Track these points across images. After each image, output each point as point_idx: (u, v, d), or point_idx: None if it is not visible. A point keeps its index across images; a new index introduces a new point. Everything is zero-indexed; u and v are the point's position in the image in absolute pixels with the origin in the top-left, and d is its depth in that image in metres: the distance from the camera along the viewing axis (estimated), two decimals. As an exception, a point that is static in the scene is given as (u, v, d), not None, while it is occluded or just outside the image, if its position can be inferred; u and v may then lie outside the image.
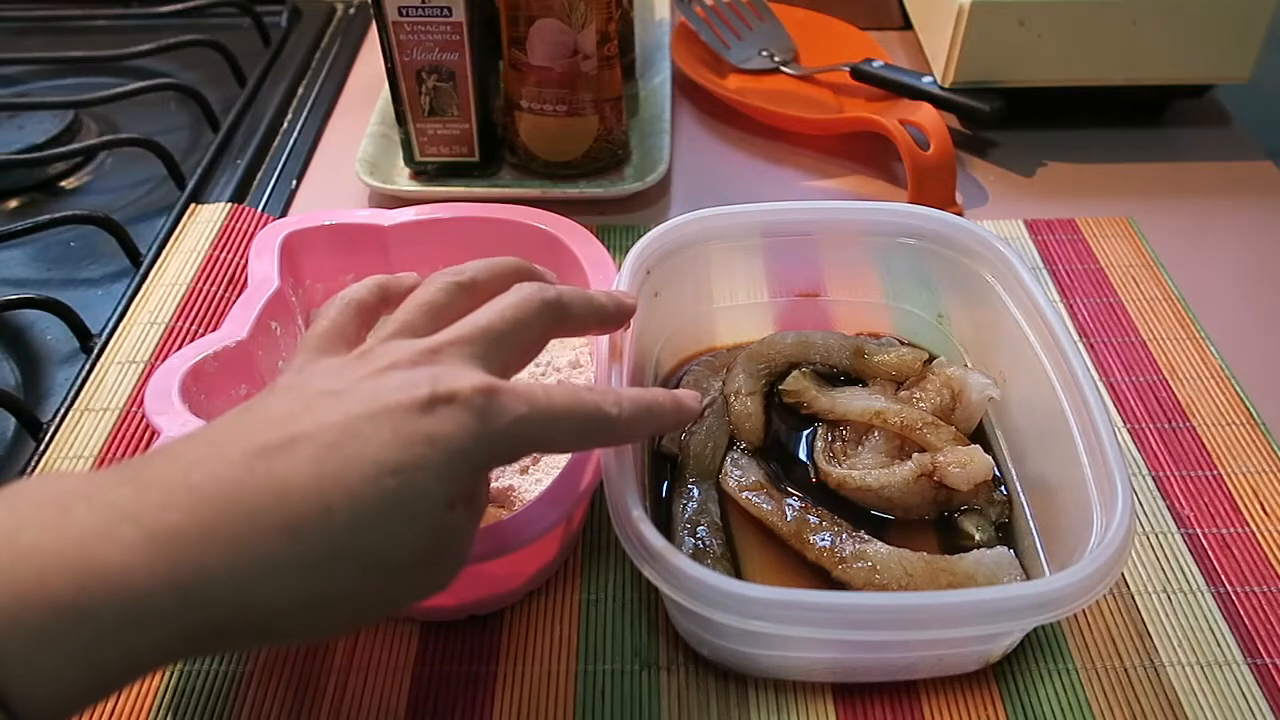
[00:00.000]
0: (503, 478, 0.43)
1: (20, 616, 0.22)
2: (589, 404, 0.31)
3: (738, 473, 0.44)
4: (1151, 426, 0.49)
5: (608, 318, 0.38)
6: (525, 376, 0.48)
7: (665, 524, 0.42)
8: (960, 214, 0.58)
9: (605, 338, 0.41)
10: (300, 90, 0.77)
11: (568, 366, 0.49)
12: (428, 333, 0.32)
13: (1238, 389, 0.51)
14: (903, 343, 0.50)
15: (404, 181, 0.64)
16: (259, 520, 0.25)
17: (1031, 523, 0.42)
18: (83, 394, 0.51)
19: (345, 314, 0.35)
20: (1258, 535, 0.44)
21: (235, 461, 0.26)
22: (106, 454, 0.48)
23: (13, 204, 0.67)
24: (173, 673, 0.40)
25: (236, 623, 0.25)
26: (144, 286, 0.56)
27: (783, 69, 0.75)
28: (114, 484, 0.25)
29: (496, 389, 0.29)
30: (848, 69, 0.71)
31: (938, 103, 0.66)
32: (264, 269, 0.49)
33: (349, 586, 0.27)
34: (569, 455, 0.39)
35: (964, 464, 0.42)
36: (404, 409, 0.28)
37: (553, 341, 0.50)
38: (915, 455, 0.43)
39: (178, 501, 0.25)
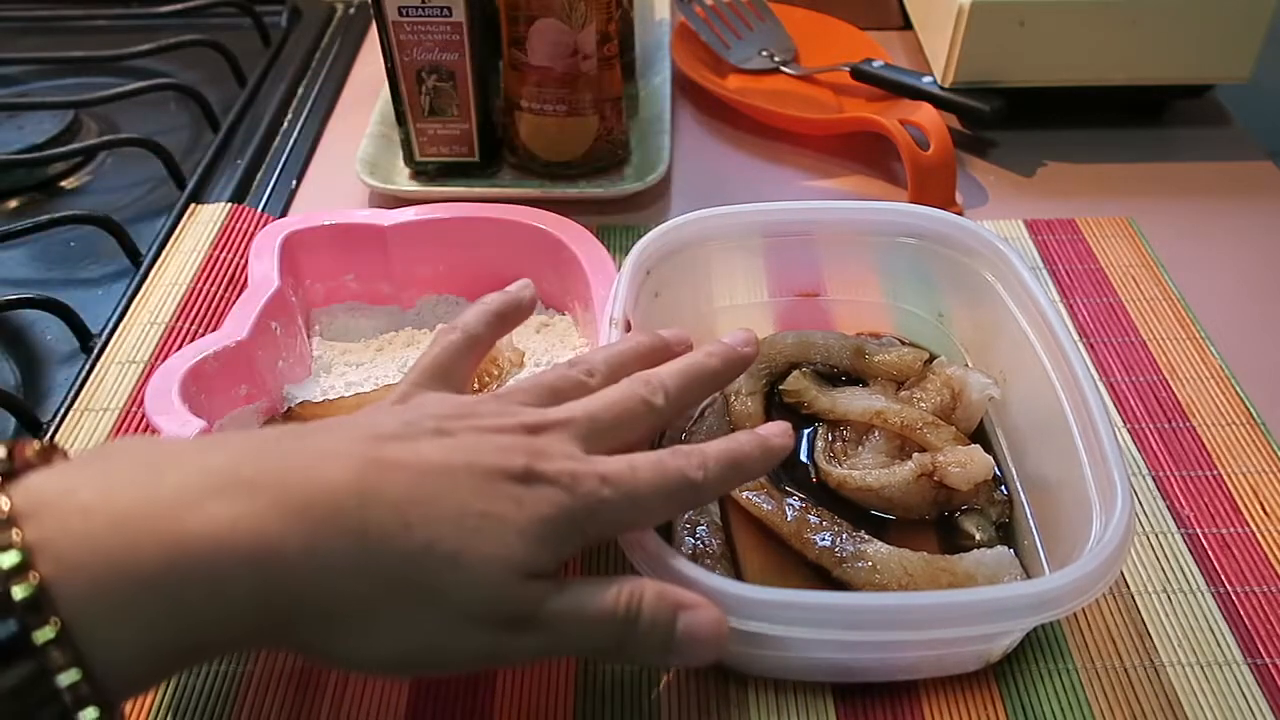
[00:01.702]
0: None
1: (111, 585, 0.22)
2: (673, 474, 0.32)
3: (738, 473, 0.44)
4: (1151, 426, 0.49)
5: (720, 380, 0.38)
6: (525, 375, 0.48)
7: (665, 524, 0.42)
8: (960, 214, 0.58)
9: (604, 339, 0.41)
10: (300, 90, 0.77)
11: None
12: (540, 406, 0.33)
13: (1238, 389, 0.51)
14: (903, 343, 0.50)
15: (404, 181, 0.64)
16: (339, 519, 0.26)
17: (1032, 522, 0.42)
18: (83, 394, 0.51)
19: (459, 347, 0.36)
20: (1258, 535, 0.44)
21: (346, 464, 0.27)
22: (106, 454, 0.48)
23: (13, 204, 0.67)
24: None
25: (301, 616, 0.26)
26: (144, 286, 0.56)
27: (783, 69, 0.75)
28: (209, 449, 0.26)
29: (585, 473, 0.30)
30: (848, 69, 0.71)
31: (938, 103, 0.66)
32: (264, 269, 0.49)
33: (405, 613, 0.27)
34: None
35: (964, 464, 0.42)
36: (500, 472, 0.29)
37: (553, 341, 0.51)
38: (915, 455, 0.43)
39: (267, 483, 0.25)
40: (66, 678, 0.22)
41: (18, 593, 0.21)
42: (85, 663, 0.22)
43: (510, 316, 0.39)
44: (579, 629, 0.30)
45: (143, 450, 0.26)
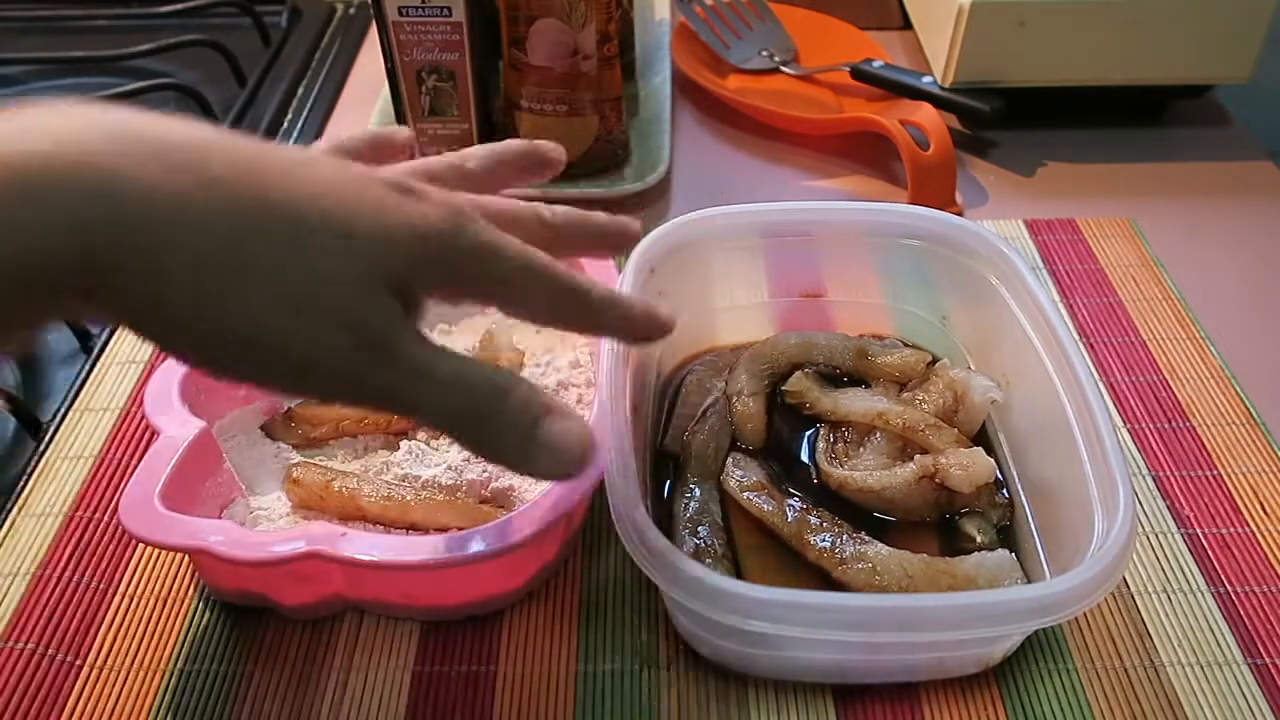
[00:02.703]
0: (503, 478, 0.43)
1: None
2: (527, 210, 0.31)
3: (739, 473, 0.44)
4: (1151, 426, 0.49)
5: (606, 242, 0.36)
6: (525, 377, 0.48)
7: (666, 524, 0.42)
8: (960, 214, 0.58)
9: (605, 339, 0.41)
10: (300, 90, 0.77)
11: (568, 366, 0.49)
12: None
13: (1238, 389, 0.51)
14: (906, 344, 0.50)
15: (404, 181, 0.64)
16: (191, 163, 0.24)
17: (1033, 525, 0.42)
18: (83, 394, 0.51)
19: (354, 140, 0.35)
20: (1258, 535, 0.44)
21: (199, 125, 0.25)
22: (106, 454, 0.48)
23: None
24: (173, 673, 0.40)
25: (123, 265, 0.23)
26: (144, 286, 0.56)
27: (783, 69, 0.75)
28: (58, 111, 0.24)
29: (462, 203, 0.28)
30: (848, 69, 0.71)
31: (938, 103, 0.66)
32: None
33: (248, 279, 0.24)
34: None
35: (966, 466, 0.42)
36: (382, 181, 0.27)
37: (553, 341, 0.51)
38: (917, 457, 0.43)
39: (111, 134, 0.23)
40: None
41: None
42: None
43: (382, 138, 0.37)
44: (444, 383, 0.27)
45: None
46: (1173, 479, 0.47)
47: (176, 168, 0.24)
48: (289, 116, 0.74)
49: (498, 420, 0.28)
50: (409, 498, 0.42)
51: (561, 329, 0.33)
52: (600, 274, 0.48)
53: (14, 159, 0.22)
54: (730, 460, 0.45)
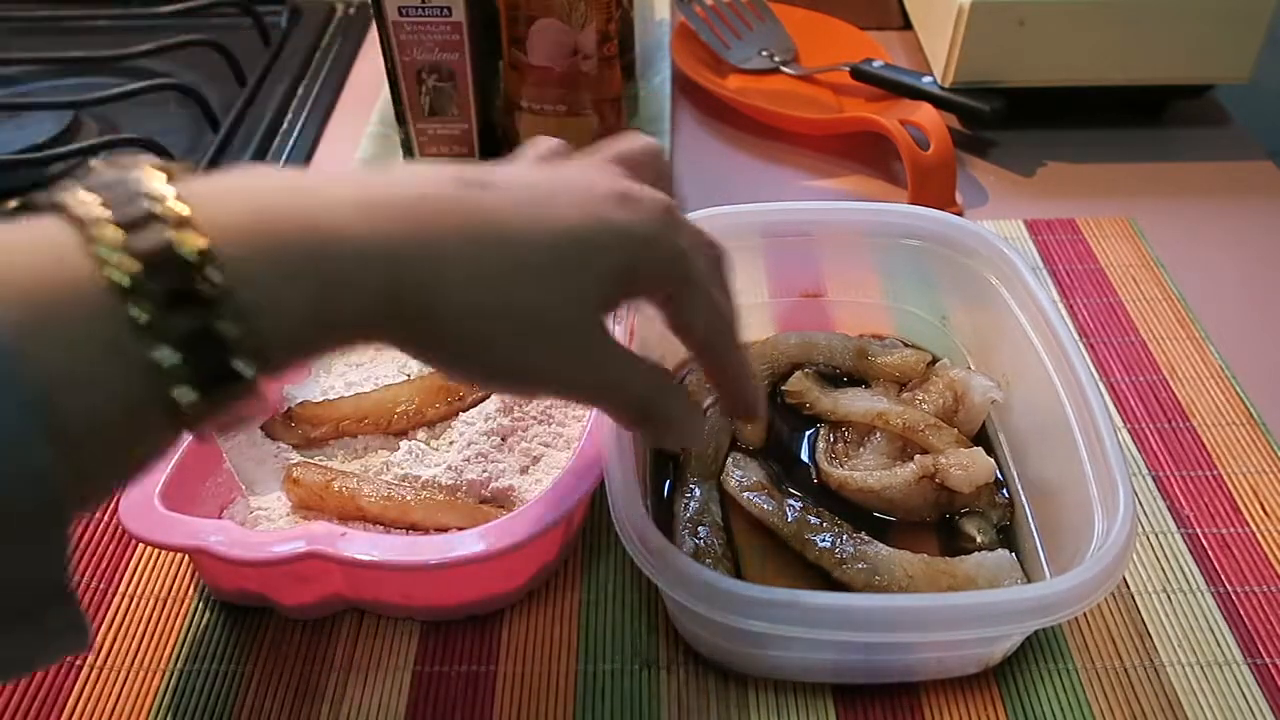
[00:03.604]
0: (503, 478, 0.43)
1: (272, 254, 0.24)
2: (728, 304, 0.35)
3: (739, 473, 0.44)
4: (1151, 426, 0.49)
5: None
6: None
7: (666, 523, 0.42)
8: (960, 214, 0.59)
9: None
10: (300, 90, 0.77)
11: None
12: None
13: (1238, 389, 0.51)
14: (906, 344, 0.50)
15: (404, 181, 0.64)
16: (452, 219, 0.27)
17: (1033, 525, 0.42)
18: (83, 394, 0.51)
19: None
20: (1258, 535, 0.44)
21: (443, 181, 0.28)
22: (107, 454, 0.48)
23: (12, 204, 0.67)
24: (173, 673, 0.40)
25: (424, 302, 0.27)
26: (144, 286, 0.56)
27: (783, 69, 0.75)
28: (332, 181, 0.27)
29: (675, 212, 0.31)
30: (848, 69, 0.71)
31: (938, 103, 0.66)
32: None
33: (507, 300, 0.28)
34: (570, 456, 0.39)
35: (966, 466, 0.42)
36: (601, 194, 0.30)
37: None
38: (917, 457, 0.43)
39: (387, 197, 0.27)
40: (231, 329, 0.23)
41: (186, 253, 0.22)
42: (245, 318, 0.23)
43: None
44: (641, 368, 0.32)
45: (283, 172, 0.27)
46: (1173, 479, 0.47)
47: (450, 234, 0.27)
48: (289, 116, 0.74)
49: (674, 391, 0.34)
50: (409, 498, 0.42)
51: (697, 357, 0.36)
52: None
53: (329, 234, 0.25)
54: (730, 460, 0.45)
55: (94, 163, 0.25)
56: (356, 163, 0.63)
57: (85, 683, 0.39)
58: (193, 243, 0.23)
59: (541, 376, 0.30)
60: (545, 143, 0.34)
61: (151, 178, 0.24)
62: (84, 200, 0.23)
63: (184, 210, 0.23)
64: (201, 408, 0.23)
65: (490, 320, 0.28)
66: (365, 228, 0.26)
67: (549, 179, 0.31)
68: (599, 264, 0.29)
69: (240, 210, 0.24)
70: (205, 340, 0.23)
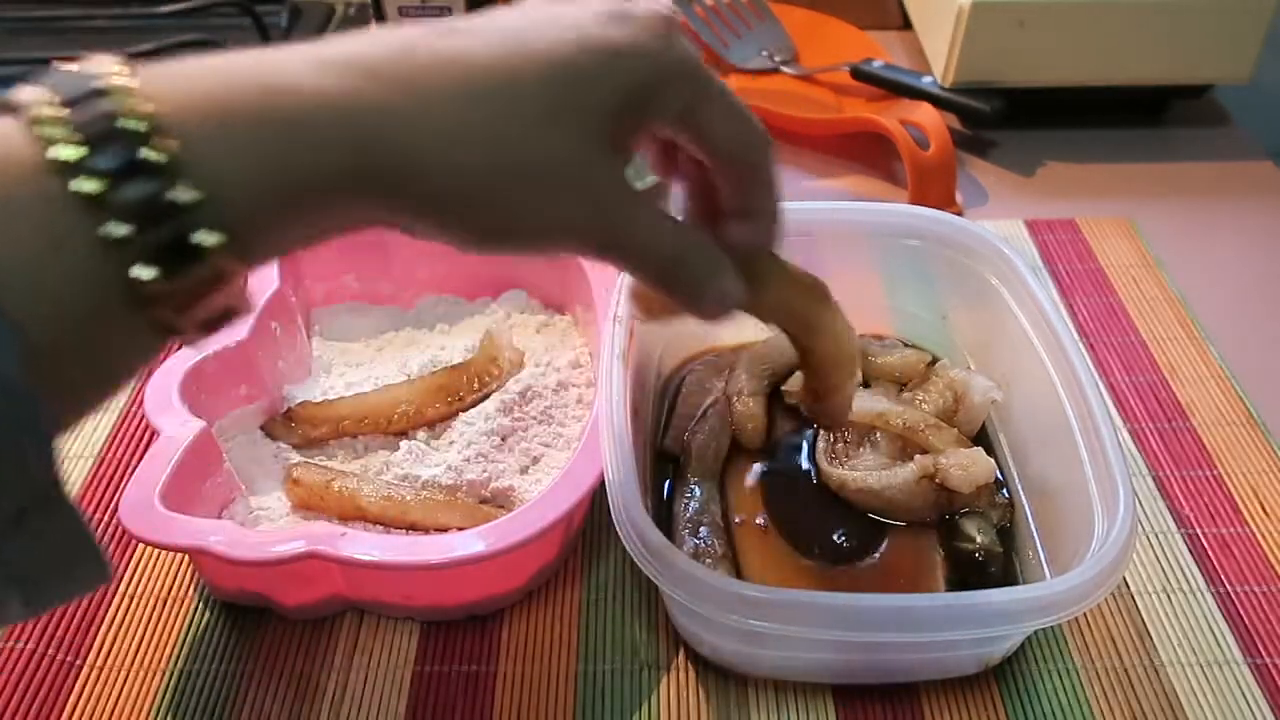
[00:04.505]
0: (503, 478, 0.43)
1: (226, 118, 0.23)
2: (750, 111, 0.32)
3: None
4: (1151, 426, 0.49)
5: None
6: (525, 377, 0.48)
7: (667, 523, 0.42)
8: (960, 214, 0.59)
9: (605, 339, 0.41)
10: (300, 90, 0.77)
11: (568, 366, 0.49)
12: None
13: (1238, 389, 0.51)
14: (906, 344, 0.50)
15: (404, 181, 0.63)
16: (425, 72, 0.25)
17: (1033, 525, 0.42)
18: (83, 394, 0.51)
19: None
20: (1258, 535, 0.44)
21: (412, 34, 0.26)
22: (106, 454, 0.48)
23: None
24: (173, 673, 0.40)
25: (401, 164, 0.25)
26: (144, 286, 0.56)
27: (783, 69, 0.75)
28: (295, 47, 0.25)
29: (675, 23, 0.29)
30: (848, 69, 0.71)
31: (938, 103, 0.66)
32: (264, 269, 0.49)
33: (498, 153, 0.25)
34: (570, 456, 0.39)
35: (966, 466, 0.42)
36: (590, 17, 0.27)
37: (553, 341, 0.51)
38: (917, 457, 0.43)
39: (350, 53, 0.25)
40: (184, 195, 0.22)
41: (130, 123, 0.21)
42: (200, 185, 0.22)
43: None
44: (660, 217, 0.30)
45: (249, 51, 0.25)
46: (1173, 479, 0.47)
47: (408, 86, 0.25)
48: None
49: (703, 246, 0.31)
50: (409, 498, 0.42)
51: (726, 171, 0.32)
52: (600, 273, 0.48)
53: (287, 92, 0.23)
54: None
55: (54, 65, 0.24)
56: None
57: (85, 683, 0.39)
58: (138, 109, 0.21)
59: (549, 234, 0.27)
60: None
61: (102, 64, 0.22)
62: (30, 91, 0.22)
63: (131, 83, 0.22)
64: (166, 290, 0.22)
65: (483, 178, 0.25)
66: (329, 83, 0.24)
67: (527, 14, 0.28)
68: (599, 94, 0.27)
69: (193, 81, 0.23)
70: (157, 210, 0.21)
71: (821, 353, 0.36)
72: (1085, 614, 0.41)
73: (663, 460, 0.45)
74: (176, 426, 0.41)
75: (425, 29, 0.26)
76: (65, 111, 0.21)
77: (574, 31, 0.27)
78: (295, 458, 0.45)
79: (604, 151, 0.27)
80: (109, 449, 0.48)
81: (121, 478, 0.47)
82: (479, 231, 0.26)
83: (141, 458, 0.41)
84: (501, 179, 0.26)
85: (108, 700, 0.39)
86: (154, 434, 0.41)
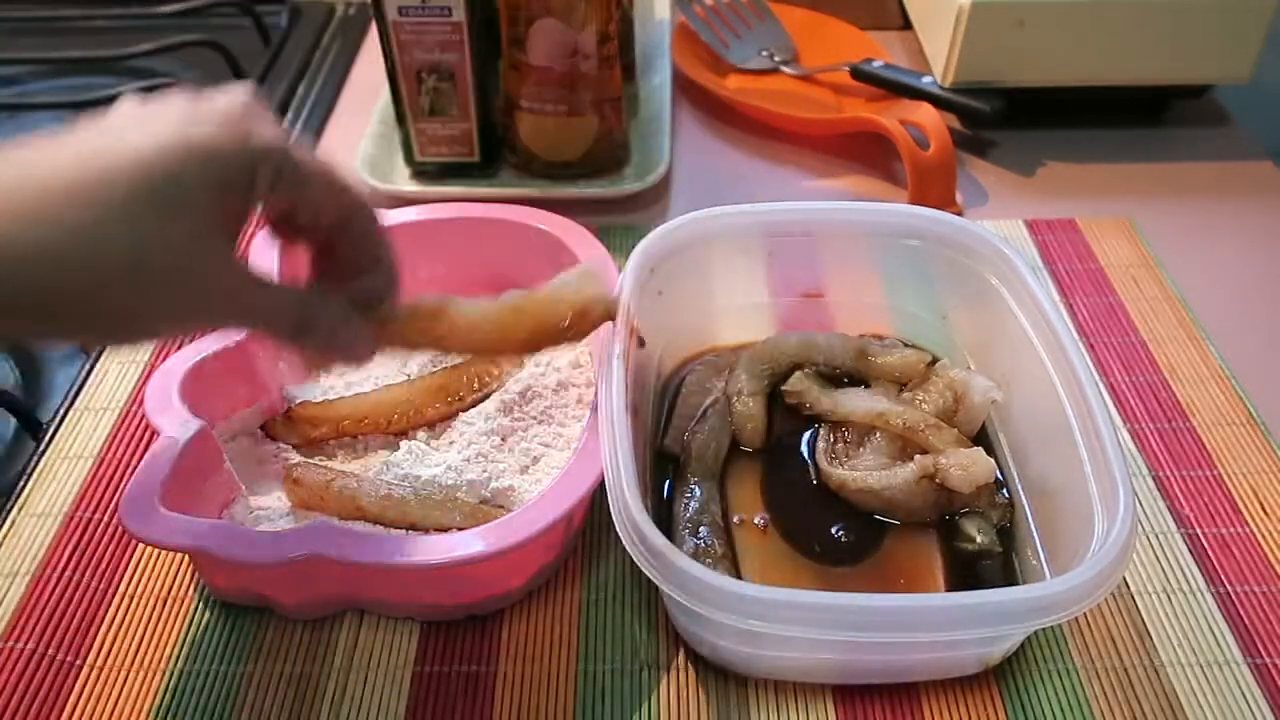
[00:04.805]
0: (503, 478, 0.43)
1: None
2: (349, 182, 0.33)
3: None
4: (1151, 426, 0.49)
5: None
6: (525, 377, 0.48)
7: (667, 523, 0.42)
8: (960, 214, 0.59)
9: (605, 339, 0.41)
10: (300, 90, 0.77)
11: (568, 366, 0.49)
12: None
13: (1238, 389, 0.51)
14: (906, 344, 0.50)
15: (404, 181, 0.64)
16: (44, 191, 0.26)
17: (1033, 525, 0.42)
18: (83, 394, 0.51)
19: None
20: (1258, 535, 0.44)
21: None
22: (106, 454, 0.48)
23: None
24: (173, 673, 0.40)
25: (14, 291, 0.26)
26: (144, 286, 0.56)
27: (783, 69, 0.75)
28: None
29: (258, 103, 0.30)
30: (848, 69, 0.71)
31: (938, 103, 0.66)
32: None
33: (93, 263, 0.27)
34: (570, 456, 0.39)
35: (966, 466, 0.42)
36: (174, 115, 0.29)
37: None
38: (917, 457, 0.43)
39: None
40: None
41: None
42: None
43: None
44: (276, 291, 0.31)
45: None
46: (1173, 479, 0.47)
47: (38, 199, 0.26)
48: (289, 116, 0.74)
49: (323, 301, 0.33)
50: (409, 498, 0.42)
51: (337, 241, 0.34)
52: (598, 270, 0.48)
53: None
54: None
55: None
56: (357, 163, 0.63)
57: (85, 683, 0.39)
58: None
59: (164, 326, 0.30)
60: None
61: None
62: None
63: None
64: None
65: (85, 284, 0.27)
66: None
67: (107, 121, 0.29)
68: (191, 189, 0.27)
69: None
70: None
71: (463, 350, 0.41)
72: (1085, 614, 0.41)
73: (663, 460, 0.45)
74: (176, 426, 0.41)
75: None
76: None
77: (154, 138, 0.28)
78: (295, 458, 0.45)
79: (214, 238, 0.29)
80: (109, 449, 0.48)
81: (121, 478, 0.47)
82: (95, 334, 0.29)
83: (141, 458, 0.41)
84: (114, 285, 0.27)
85: (107, 700, 0.39)
86: (154, 434, 0.41)
